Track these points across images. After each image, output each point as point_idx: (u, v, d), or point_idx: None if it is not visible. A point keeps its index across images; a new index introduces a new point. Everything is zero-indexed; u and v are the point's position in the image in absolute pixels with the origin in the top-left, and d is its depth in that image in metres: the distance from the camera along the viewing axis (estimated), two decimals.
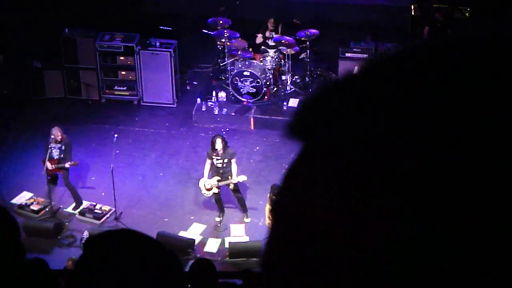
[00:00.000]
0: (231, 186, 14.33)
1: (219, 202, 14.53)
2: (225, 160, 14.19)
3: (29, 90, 17.61)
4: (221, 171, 14.23)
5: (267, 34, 17.44)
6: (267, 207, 13.54)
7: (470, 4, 17.78)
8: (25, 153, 15.90)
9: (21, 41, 17.48)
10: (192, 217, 14.71)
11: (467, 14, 17.92)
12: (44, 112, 17.10)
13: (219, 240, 14.25)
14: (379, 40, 16.94)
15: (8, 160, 15.90)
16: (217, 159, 14.18)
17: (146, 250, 1.96)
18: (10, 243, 1.62)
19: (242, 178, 14.24)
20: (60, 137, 14.25)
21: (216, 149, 14.13)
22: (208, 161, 14.29)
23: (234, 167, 14.24)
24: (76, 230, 14.38)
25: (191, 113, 17.13)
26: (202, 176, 14.41)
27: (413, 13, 18.18)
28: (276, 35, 17.31)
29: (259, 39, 17.48)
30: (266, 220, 13.59)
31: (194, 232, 14.36)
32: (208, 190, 14.37)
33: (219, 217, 14.60)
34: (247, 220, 14.61)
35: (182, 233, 14.23)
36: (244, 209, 14.60)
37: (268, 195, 13.46)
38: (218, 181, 14.26)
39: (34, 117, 17.00)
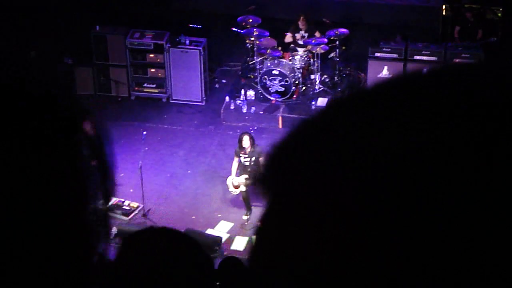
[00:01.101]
0: None
1: (246, 200, 14.55)
2: (253, 158, 14.20)
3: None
4: (248, 169, 14.25)
5: (297, 33, 17.42)
6: None
7: (503, 4, 17.65)
8: None
9: (53, 38, 17.60)
10: (219, 215, 14.74)
11: (499, 14, 17.78)
12: None
13: (246, 238, 14.27)
14: (409, 40, 16.85)
15: None
16: (245, 157, 14.19)
17: (182, 249, 1.97)
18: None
19: None
20: (89, 132, 14.31)
21: (244, 147, 14.14)
22: (236, 159, 14.31)
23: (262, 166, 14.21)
24: None
25: (220, 111, 17.16)
26: (230, 174, 14.43)
27: (444, 13, 18.07)
28: (306, 34, 17.29)
29: (288, 38, 17.48)
30: None
31: (221, 230, 14.39)
32: (236, 188, 14.39)
33: (246, 215, 14.63)
34: None
35: (209, 231, 14.27)
36: None
37: None
38: (246, 179, 14.27)
39: None
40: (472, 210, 0.71)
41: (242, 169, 14.29)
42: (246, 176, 14.26)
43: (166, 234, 2.02)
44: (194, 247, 2.01)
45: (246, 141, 14.10)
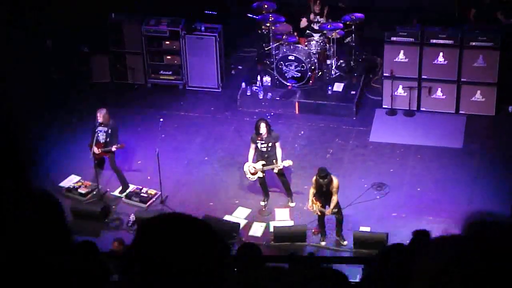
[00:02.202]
0: (276, 170, 14.34)
1: (264, 186, 14.57)
2: (269, 144, 14.21)
3: (77, 75, 17.79)
4: (265, 155, 14.26)
5: (312, 17, 17.38)
6: (312, 190, 13.51)
7: None
8: (72, 137, 16.08)
9: (69, 26, 17.64)
10: (237, 201, 14.78)
11: None
12: (91, 97, 17.26)
13: (264, 224, 14.31)
14: (425, 24, 16.77)
15: (56, 144, 16.10)
16: (262, 143, 14.20)
17: (198, 234, 1.99)
18: (56, 226, 1.66)
19: (288, 162, 14.23)
20: (103, 119, 14.35)
21: (261, 133, 14.15)
22: (253, 146, 14.32)
23: (278, 151, 14.24)
24: (122, 213, 14.54)
25: (236, 97, 17.16)
26: (247, 160, 14.45)
27: None
28: (321, 19, 17.24)
29: (303, 22, 17.43)
30: (309, 203, 13.55)
31: (239, 216, 14.43)
32: (253, 174, 14.41)
33: (263, 201, 14.65)
34: (291, 204, 14.63)
35: (227, 217, 14.31)
36: (289, 193, 14.61)
37: (314, 178, 13.43)
38: (263, 165, 14.28)
39: (81, 102, 17.18)
40: None
41: (259, 155, 14.30)
42: (263, 162, 14.27)
43: (181, 220, 2.04)
44: (209, 233, 2.02)
45: (263, 128, 14.11)
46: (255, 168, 14.34)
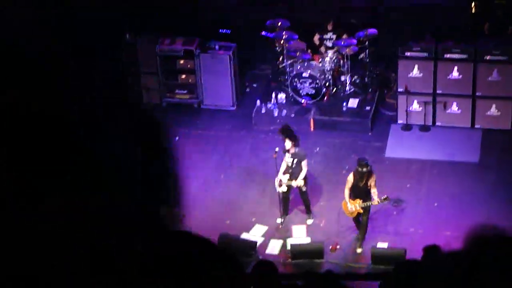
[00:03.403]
0: (294, 186, 14.33)
1: (285, 201, 14.51)
2: (295, 160, 14.20)
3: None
4: (290, 170, 14.27)
5: (326, 35, 17.41)
6: (347, 191, 13.59)
7: None
8: None
9: (82, 47, 17.71)
10: (253, 219, 14.78)
11: None
12: None
13: (280, 242, 14.29)
14: (439, 39, 16.77)
15: None
16: (289, 157, 14.23)
17: (205, 253, 2.00)
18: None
19: (296, 183, 14.21)
20: None
21: (287, 149, 14.18)
22: (285, 158, 14.33)
23: (303, 171, 14.21)
24: None
25: (251, 115, 17.20)
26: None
27: (473, 10, 17.96)
28: (334, 36, 17.27)
29: (316, 40, 17.46)
30: (348, 205, 13.60)
31: (256, 233, 14.42)
32: (279, 186, 14.39)
33: (280, 218, 14.64)
34: (309, 221, 14.61)
35: (244, 235, 14.31)
36: (308, 210, 14.61)
37: (351, 174, 13.56)
38: (288, 179, 14.29)
39: None
40: None
41: (287, 168, 14.30)
42: (288, 177, 14.25)
43: (187, 239, 2.05)
44: (219, 252, 2.04)
45: (286, 143, 14.14)
46: (281, 180, 14.30)
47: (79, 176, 1.17)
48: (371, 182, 13.55)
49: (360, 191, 13.60)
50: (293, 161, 14.21)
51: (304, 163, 14.22)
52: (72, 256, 1.16)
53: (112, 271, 1.16)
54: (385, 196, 13.70)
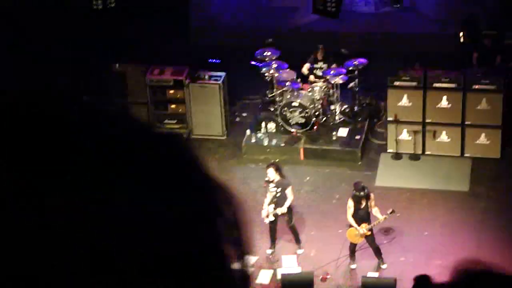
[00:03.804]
0: (285, 217, 14.32)
1: (273, 231, 14.48)
2: (279, 189, 14.19)
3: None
4: (274, 199, 14.25)
5: (316, 64, 17.46)
6: (349, 216, 13.63)
7: None
8: None
9: (72, 77, 17.72)
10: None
11: None
12: None
13: (271, 272, 14.23)
14: (428, 68, 16.85)
15: None
16: (273, 187, 14.23)
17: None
18: None
19: (281, 210, 14.22)
20: None
21: (270, 178, 14.18)
22: (268, 188, 14.33)
23: (288, 199, 14.22)
24: None
25: (241, 145, 17.19)
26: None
27: (462, 40, 18.08)
28: (324, 65, 17.33)
29: (305, 69, 17.49)
30: (358, 231, 13.64)
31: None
32: (266, 216, 14.37)
33: (270, 248, 14.58)
34: (299, 251, 14.56)
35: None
36: (297, 240, 14.57)
37: (349, 200, 13.63)
38: (274, 208, 14.27)
39: None
40: None
41: (271, 198, 14.30)
42: (273, 206, 14.24)
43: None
44: None
45: (270, 173, 14.15)
46: (268, 211, 14.29)
47: (79, 176, 1.16)
48: (371, 202, 13.68)
49: (362, 215, 13.68)
50: (277, 190, 14.21)
51: (289, 191, 14.23)
52: (72, 256, 1.14)
53: (112, 271, 1.14)
54: (390, 210, 13.79)
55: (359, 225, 13.74)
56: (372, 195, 13.77)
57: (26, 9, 17.96)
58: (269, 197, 14.30)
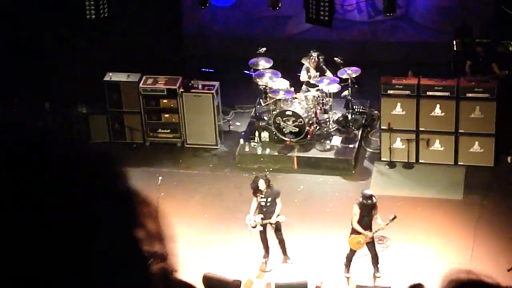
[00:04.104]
0: (273, 226, 14.30)
1: (264, 241, 14.48)
2: (269, 199, 14.18)
3: (75, 136, 17.80)
4: (264, 209, 14.23)
5: (309, 73, 17.46)
6: (355, 223, 13.61)
7: None
8: None
9: (66, 87, 17.72)
10: (237, 258, 14.68)
11: (510, 48, 17.80)
12: None
13: (265, 281, 14.19)
14: (421, 76, 16.86)
15: None
16: (261, 198, 14.19)
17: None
18: None
19: (281, 218, 14.19)
20: None
21: (260, 189, 14.15)
22: (255, 199, 14.30)
23: (278, 207, 14.21)
24: None
25: (235, 154, 17.17)
26: (248, 215, 14.40)
27: (455, 48, 18.11)
28: (318, 74, 17.33)
29: (301, 78, 17.49)
30: (364, 237, 13.63)
31: (240, 272, 14.31)
32: (253, 227, 14.35)
33: (264, 257, 14.56)
34: (289, 261, 14.54)
35: (228, 274, 14.19)
36: (284, 251, 14.51)
37: (356, 206, 13.62)
38: (262, 219, 14.24)
39: None
40: None
41: (259, 209, 14.27)
42: (262, 216, 14.23)
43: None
44: None
45: (261, 184, 14.12)
46: (255, 221, 14.28)
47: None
48: (375, 211, 13.71)
49: (366, 222, 13.70)
50: (266, 200, 14.18)
51: (278, 200, 14.23)
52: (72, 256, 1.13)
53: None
54: (392, 216, 13.79)
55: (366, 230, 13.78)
56: (377, 204, 13.80)
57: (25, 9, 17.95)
58: (254, 207, 14.28)
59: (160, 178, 15.38)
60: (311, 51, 17.38)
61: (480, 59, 17.44)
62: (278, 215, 14.17)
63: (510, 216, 15.14)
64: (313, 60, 17.35)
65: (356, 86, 17.28)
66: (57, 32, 18.21)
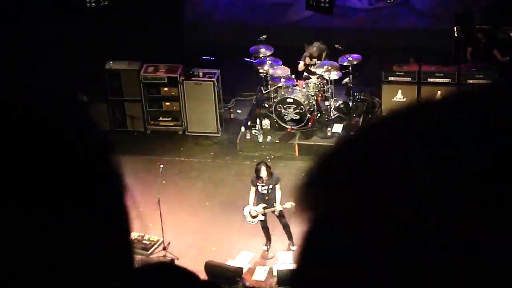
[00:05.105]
0: (276, 213, 14.31)
1: (265, 229, 14.51)
2: (270, 186, 14.20)
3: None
4: (266, 197, 14.23)
5: (310, 60, 17.44)
6: None
7: None
8: None
9: (67, 75, 17.69)
10: (239, 246, 14.70)
11: (511, 35, 17.76)
12: None
13: (267, 268, 14.22)
14: (422, 63, 16.84)
15: None
16: (262, 186, 14.20)
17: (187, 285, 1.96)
18: None
19: (289, 204, 14.18)
20: None
21: (261, 177, 14.15)
22: (253, 189, 14.30)
23: (278, 193, 14.23)
24: None
25: (236, 141, 17.17)
26: (248, 204, 14.41)
27: (456, 35, 18.07)
28: (318, 61, 17.31)
29: (301, 66, 17.49)
30: None
31: (242, 260, 14.34)
32: (254, 217, 14.36)
33: (266, 245, 14.58)
34: (293, 247, 14.55)
35: (230, 262, 14.23)
36: (289, 236, 14.54)
37: None
38: (264, 208, 14.25)
39: None
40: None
41: (259, 198, 14.28)
42: (264, 205, 14.24)
43: (168, 271, 2.00)
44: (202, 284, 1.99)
45: (263, 171, 14.12)
46: (256, 211, 14.30)
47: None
48: None
49: None
50: (268, 187, 14.19)
51: (278, 187, 14.24)
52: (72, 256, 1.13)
53: None
54: None
55: None
56: None
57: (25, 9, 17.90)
58: (252, 197, 14.29)
59: (162, 166, 15.39)
60: (315, 42, 17.33)
61: (481, 45, 17.41)
62: (285, 203, 14.15)
63: None
64: (315, 49, 17.31)
65: (357, 73, 17.27)
66: (57, 21, 18.16)
